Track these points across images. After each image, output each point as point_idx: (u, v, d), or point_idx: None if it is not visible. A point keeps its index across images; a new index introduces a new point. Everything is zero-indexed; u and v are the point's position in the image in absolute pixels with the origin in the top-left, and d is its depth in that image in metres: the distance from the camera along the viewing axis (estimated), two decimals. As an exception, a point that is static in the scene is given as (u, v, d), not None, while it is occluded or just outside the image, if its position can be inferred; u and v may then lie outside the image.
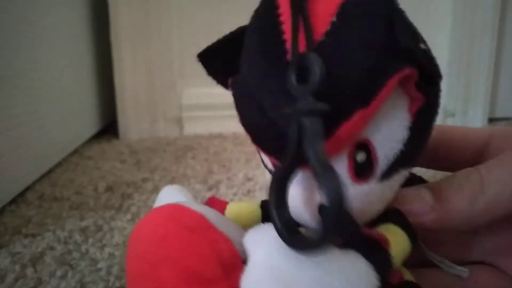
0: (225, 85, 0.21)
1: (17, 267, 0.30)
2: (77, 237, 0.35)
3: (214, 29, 0.77)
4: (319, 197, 0.17)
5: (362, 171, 0.17)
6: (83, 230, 0.36)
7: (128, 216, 0.39)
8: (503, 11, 0.83)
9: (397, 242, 0.18)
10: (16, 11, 0.44)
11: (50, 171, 0.53)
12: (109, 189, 0.47)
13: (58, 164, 0.56)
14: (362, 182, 0.17)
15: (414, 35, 0.17)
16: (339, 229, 0.15)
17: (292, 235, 0.16)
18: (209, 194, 0.45)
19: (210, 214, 0.19)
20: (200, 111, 0.78)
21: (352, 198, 0.16)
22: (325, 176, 0.14)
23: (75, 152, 0.63)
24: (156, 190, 0.46)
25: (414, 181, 0.21)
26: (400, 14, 0.16)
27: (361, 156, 0.17)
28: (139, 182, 0.49)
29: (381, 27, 0.16)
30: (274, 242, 0.16)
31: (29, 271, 0.30)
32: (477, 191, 0.20)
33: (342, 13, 0.16)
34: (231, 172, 0.53)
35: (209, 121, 0.77)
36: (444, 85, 0.18)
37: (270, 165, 0.19)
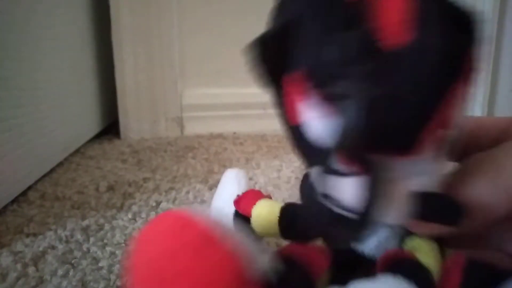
0: (275, 81, 0.19)
1: (19, 266, 0.30)
2: (79, 236, 0.35)
3: (215, 29, 0.78)
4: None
5: None
6: (85, 229, 0.36)
7: (129, 215, 0.39)
8: (502, 11, 0.83)
9: (429, 252, 0.19)
10: (18, 12, 0.44)
11: (51, 171, 0.54)
12: (111, 188, 0.47)
13: (60, 164, 0.57)
14: None
15: None
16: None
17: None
18: (209, 194, 0.45)
19: (217, 227, 0.18)
20: (201, 111, 0.78)
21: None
22: None
23: (77, 152, 0.64)
24: (157, 189, 0.47)
25: None
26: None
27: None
28: (140, 182, 0.49)
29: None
30: None
31: (31, 270, 0.30)
32: (494, 177, 0.18)
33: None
34: (232, 172, 0.53)
35: (209, 121, 0.77)
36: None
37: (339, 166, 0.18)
